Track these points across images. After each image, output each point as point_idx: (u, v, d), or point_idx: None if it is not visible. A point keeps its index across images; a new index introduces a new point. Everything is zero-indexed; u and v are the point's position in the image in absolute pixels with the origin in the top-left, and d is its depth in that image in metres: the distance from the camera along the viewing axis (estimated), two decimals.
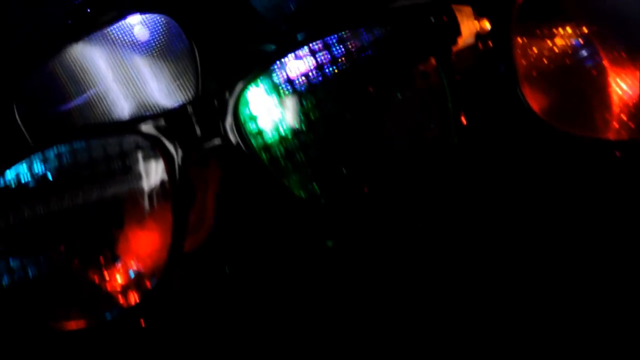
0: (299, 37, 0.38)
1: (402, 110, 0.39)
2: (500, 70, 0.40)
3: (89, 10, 0.42)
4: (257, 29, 0.44)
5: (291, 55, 0.38)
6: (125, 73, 0.42)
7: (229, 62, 0.42)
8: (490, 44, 0.42)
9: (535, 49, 0.40)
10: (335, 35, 0.38)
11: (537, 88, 0.40)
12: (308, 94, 0.38)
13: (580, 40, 0.40)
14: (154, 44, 0.43)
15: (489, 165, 0.41)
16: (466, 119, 0.40)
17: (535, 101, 0.39)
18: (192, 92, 0.42)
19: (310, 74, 0.38)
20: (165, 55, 0.43)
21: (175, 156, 0.37)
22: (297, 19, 0.44)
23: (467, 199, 0.41)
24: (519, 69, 0.39)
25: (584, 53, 0.40)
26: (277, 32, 0.43)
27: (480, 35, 0.42)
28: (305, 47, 0.38)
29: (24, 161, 0.37)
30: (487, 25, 0.42)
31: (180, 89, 0.43)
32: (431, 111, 0.40)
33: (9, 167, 0.37)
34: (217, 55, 0.43)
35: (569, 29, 0.40)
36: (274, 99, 0.38)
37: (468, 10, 0.42)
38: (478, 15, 0.42)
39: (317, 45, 0.38)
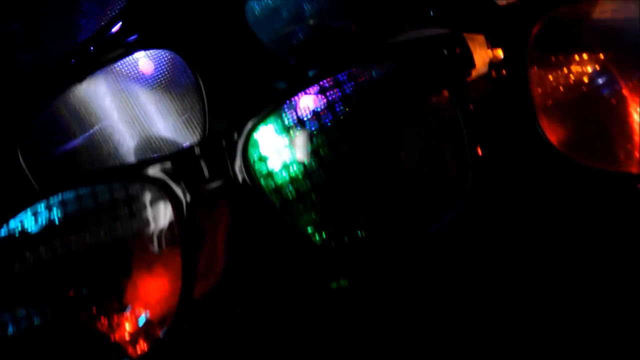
0: (309, 74, 0.37)
1: (417, 146, 0.38)
2: (516, 102, 0.39)
3: (92, 48, 0.41)
4: (265, 62, 0.43)
5: (301, 94, 0.36)
6: (130, 111, 0.41)
7: (237, 98, 0.41)
8: (505, 73, 0.41)
9: (551, 79, 0.39)
10: (346, 72, 0.37)
11: (555, 119, 0.38)
12: (319, 133, 0.37)
13: (599, 69, 0.39)
14: (159, 81, 0.42)
15: (506, 199, 0.40)
16: (482, 152, 0.38)
17: (553, 133, 0.38)
18: (199, 128, 0.41)
19: (321, 112, 0.37)
20: (171, 92, 0.42)
21: (182, 199, 0.36)
22: (306, 51, 0.43)
23: (483, 235, 0.40)
24: (536, 100, 0.38)
25: (603, 82, 0.39)
26: (286, 66, 0.42)
27: (493, 64, 0.41)
28: (316, 85, 0.36)
29: (29, 209, 0.36)
30: (500, 53, 0.41)
31: (187, 125, 0.42)
32: (446, 145, 0.39)
33: (14, 215, 0.36)
34: (224, 91, 0.42)
35: (586, 58, 0.39)
36: (284, 139, 0.37)
37: (481, 38, 0.41)
38: (491, 43, 0.41)
39: (327, 82, 0.37)
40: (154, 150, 0.41)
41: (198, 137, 0.40)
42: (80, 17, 0.43)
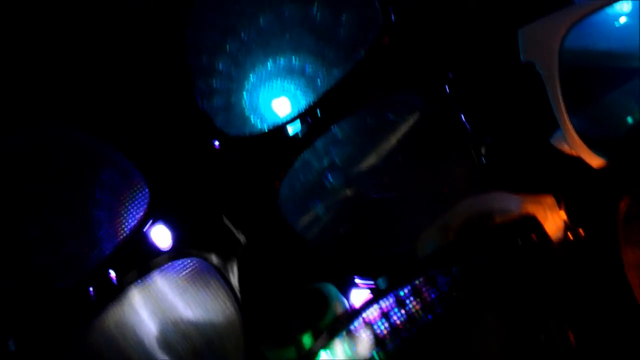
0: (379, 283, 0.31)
1: (502, 349, 0.32)
2: (612, 287, 0.33)
3: (110, 271, 0.35)
4: (306, 259, 0.37)
5: (361, 319, 0.31)
6: (162, 336, 0.36)
7: (283, 310, 0.36)
8: (582, 233, 0.36)
9: None
10: (409, 286, 0.31)
11: None
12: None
13: None
14: (189, 295, 0.37)
15: None
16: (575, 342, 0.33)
17: None
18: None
19: (387, 335, 0.31)
20: (206, 303, 0.37)
21: None
22: (350, 241, 0.38)
23: None
24: (635, 286, 0.32)
25: None
26: (334, 266, 0.36)
27: (569, 227, 0.36)
28: (376, 306, 0.31)
29: None
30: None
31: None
32: (535, 339, 0.33)
33: None
34: (267, 300, 0.36)
35: None
36: None
37: (550, 201, 0.37)
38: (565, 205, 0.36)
39: (388, 302, 0.31)
40: None
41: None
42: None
